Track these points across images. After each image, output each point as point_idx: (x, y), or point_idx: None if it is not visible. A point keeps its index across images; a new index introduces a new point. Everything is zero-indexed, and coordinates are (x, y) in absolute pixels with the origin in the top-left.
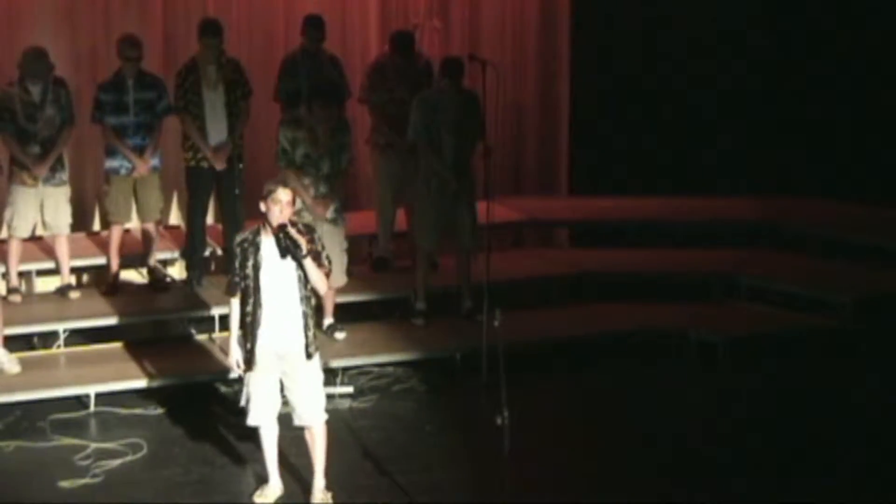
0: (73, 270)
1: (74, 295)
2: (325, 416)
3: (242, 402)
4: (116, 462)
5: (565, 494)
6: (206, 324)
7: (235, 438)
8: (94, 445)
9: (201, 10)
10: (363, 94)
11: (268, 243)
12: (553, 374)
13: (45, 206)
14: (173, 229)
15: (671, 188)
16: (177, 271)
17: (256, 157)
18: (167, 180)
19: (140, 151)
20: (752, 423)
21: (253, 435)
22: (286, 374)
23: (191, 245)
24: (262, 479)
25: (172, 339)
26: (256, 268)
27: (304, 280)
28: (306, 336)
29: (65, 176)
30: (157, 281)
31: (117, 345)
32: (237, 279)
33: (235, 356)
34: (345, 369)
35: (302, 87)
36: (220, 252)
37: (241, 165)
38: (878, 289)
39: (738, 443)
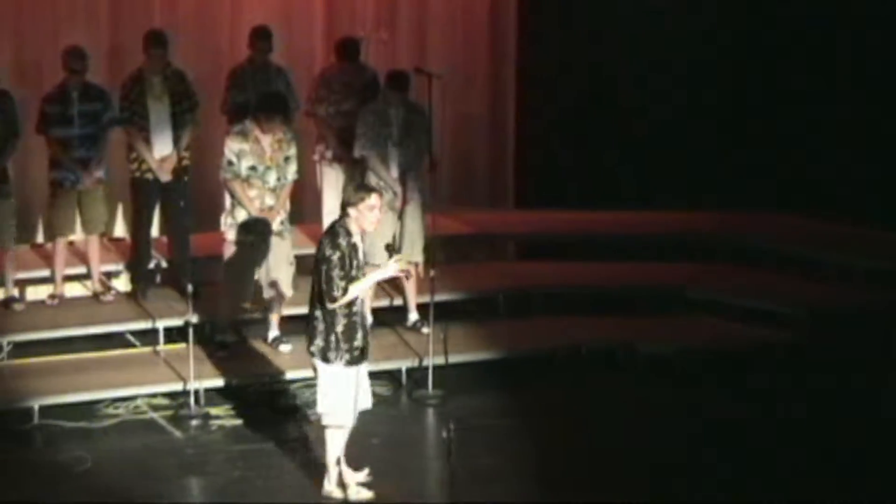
0: (18, 283)
1: (19, 307)
2: None
3: (320, 409)
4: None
5: None
6: (151, 336)
7: (178, 453)
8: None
9: (147, 22)
10: (310, 107)
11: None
12: (502, 388)
13: None
14: (119, 241)
15: (623, 202)
16: (122, 284)
17: (202, 169)
18: (113, 192)
19: (85, 163)
20: (704, 435)
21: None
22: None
23: (136, 257)
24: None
25: (117, 351)
26: (360, 269)
27: None
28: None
29: (9, 189)
30: (102, 294)
31: (62, 357)
32: (345, 281)
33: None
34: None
35: (250, 99)
36: (164, 264)
37: (186, 177)
38: (832, 303)
39: (690, 453)
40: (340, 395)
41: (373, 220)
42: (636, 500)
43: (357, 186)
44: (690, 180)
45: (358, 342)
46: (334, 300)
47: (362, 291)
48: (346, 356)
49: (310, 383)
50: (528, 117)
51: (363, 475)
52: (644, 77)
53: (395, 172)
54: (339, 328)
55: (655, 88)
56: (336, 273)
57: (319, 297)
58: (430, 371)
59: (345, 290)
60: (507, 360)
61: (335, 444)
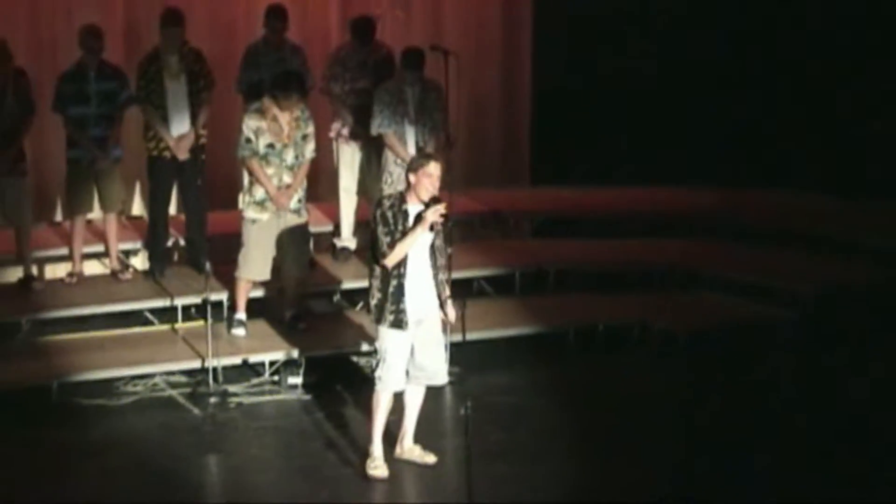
0: (36, 262)
1: (38, 286)
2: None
3: (378, 373)
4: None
5: (530, 489)
6: (169, 314)
7: (196, 431)
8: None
9: (163, 0)
10: (325, 85)
11: (414, 212)
12: (519, 365)
13: (4, 198)
14: (136, 220)
15: (632, 179)
16: (139, 262)
17: (217, 147)
18: (130, 171)
19: (101, 142)
20: (714, 413)
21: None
22: (419, 337)
23: (153, 236)
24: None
25: (136, 329)
26: (405, 236)
27: (441, 250)
28: (441, 301)
29: (25, 167)
30: (120, 272)
31: (81, 336)
32: (389, 238)
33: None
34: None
35: (264, 78)
36: (182, 243)
37: (203, 156)
38: (837, 280)
39: (702, 432)
40: (386, 356)
41: (427, 188)
42: (653, 476)
43: (420, 154)
44: (701, 157)
45: (405, 306)
46: (383, 257)
47: (408, 247)
48: (391, 318)
49: (326, 360)
50: (544, 94)
51: (418, 453)
52: (655, 53)
53: (412, 150)
54: (390, 289)
55: (666, 65)
56: (380, 231)
57: (374, 258)
58: (448, 348)
59: (390, 247)
60: (524, 337)
61: (379, 408)
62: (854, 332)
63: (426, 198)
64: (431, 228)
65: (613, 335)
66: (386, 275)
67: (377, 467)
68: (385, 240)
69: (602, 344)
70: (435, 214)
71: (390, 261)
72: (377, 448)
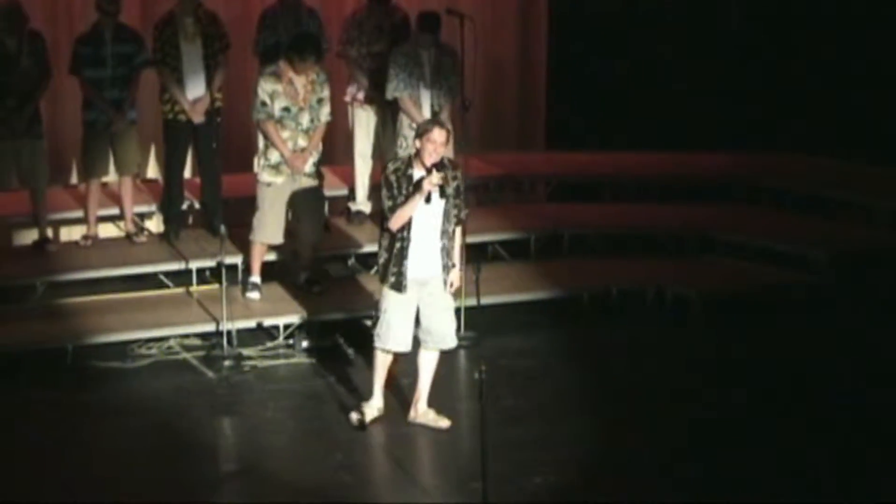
0: (51, 224)
1: (52, 248)
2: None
3: (377, 329)
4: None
5: (544, 452)
6: (184, 277)
7: (211, 393)
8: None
9: None
10: (341, 48)
11: (418, 178)
12: (534, 329)
13: (21, 160)
14: (151, 183)
15: (647, 143)
16: (154, 225)
17: (233, 110)
18: (145, 133)
19: (117, 105)
20: (728, 379)
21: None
22: (424, 301)
23: (168, 198)
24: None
25: (150, 292)
26: (407, 200)
27: (449, 215)
28: (445, 266)
29: (41, 129)
30: (135, 234)
31: (95, 298)
32: (391, 202)
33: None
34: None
35: (281, 41)
36: (197, 206)
37: (218, 119)
38: (852, 244)
39: (714, 398)
40: (385, 314)
41: (431, 153)
42: (668, 439)
43: (427, 120)
44: (715, 121)
45: (406, 269)
46: (387, 221)
47: (408, 213)
48: (392, 279)
49: (340, 323)
50: (559, 58)
51: (432, 417)
52: (668, 18)
53: (427, 114)
54: (394, 251)
55: (679, 29)
56: (384, 194)
57: (381, 220)
58: (463, 312)
59: (391, 211)
60: (539, 301)
61: (375, 364)
62: (870, 295)
63: (429, 163)
64: (428, 198)
65: (628, 299)
66: (391, 236)
67: (355, 414)
68: (388, 203)
69: (617, 308)
70: (429, 183)
71: (393, 224)
72: (373, 398)
